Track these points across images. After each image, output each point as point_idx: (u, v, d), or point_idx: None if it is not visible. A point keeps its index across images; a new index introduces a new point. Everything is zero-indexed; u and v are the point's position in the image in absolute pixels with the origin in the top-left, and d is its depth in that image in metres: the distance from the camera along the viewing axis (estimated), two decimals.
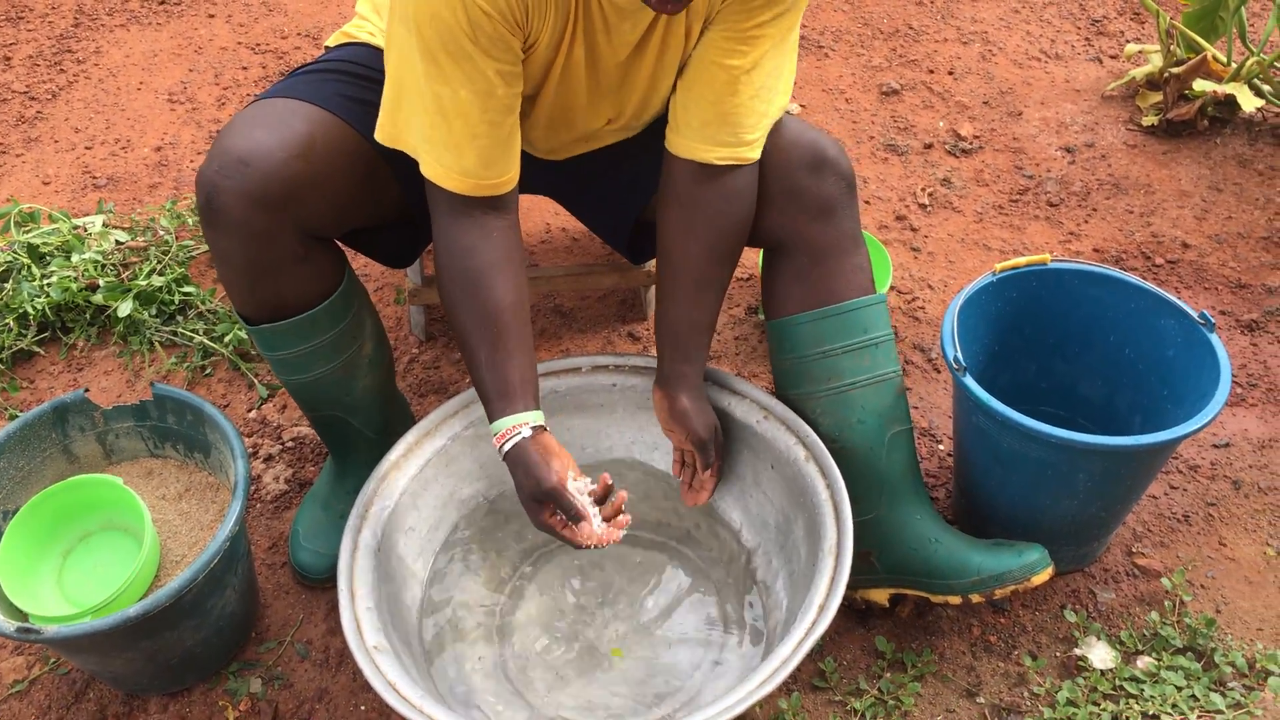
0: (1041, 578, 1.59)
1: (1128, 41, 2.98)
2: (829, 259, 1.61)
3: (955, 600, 1.63)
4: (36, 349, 2.13)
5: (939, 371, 2.14)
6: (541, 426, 1.48)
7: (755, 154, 1.52)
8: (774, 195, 1.58)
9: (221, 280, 1.55)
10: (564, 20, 1.40)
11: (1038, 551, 1.61)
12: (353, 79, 1.55)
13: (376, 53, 1.57)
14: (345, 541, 1.58)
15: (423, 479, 1.71)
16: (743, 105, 1.47)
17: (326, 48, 1.68)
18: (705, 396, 1.67)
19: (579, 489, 1.48)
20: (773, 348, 1.71)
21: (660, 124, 1.61)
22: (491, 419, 1.49)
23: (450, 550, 1.75)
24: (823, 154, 1.56)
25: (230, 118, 1.53)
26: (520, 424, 1.46)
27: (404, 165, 1.49)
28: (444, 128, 1.39)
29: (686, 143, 1.51)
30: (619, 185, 1.74)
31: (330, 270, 1.58)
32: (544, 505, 1.48)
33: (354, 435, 1.76)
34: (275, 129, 1.43)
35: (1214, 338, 1.69)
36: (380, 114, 1.46)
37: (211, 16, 2.96)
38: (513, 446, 1.46)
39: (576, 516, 1.46)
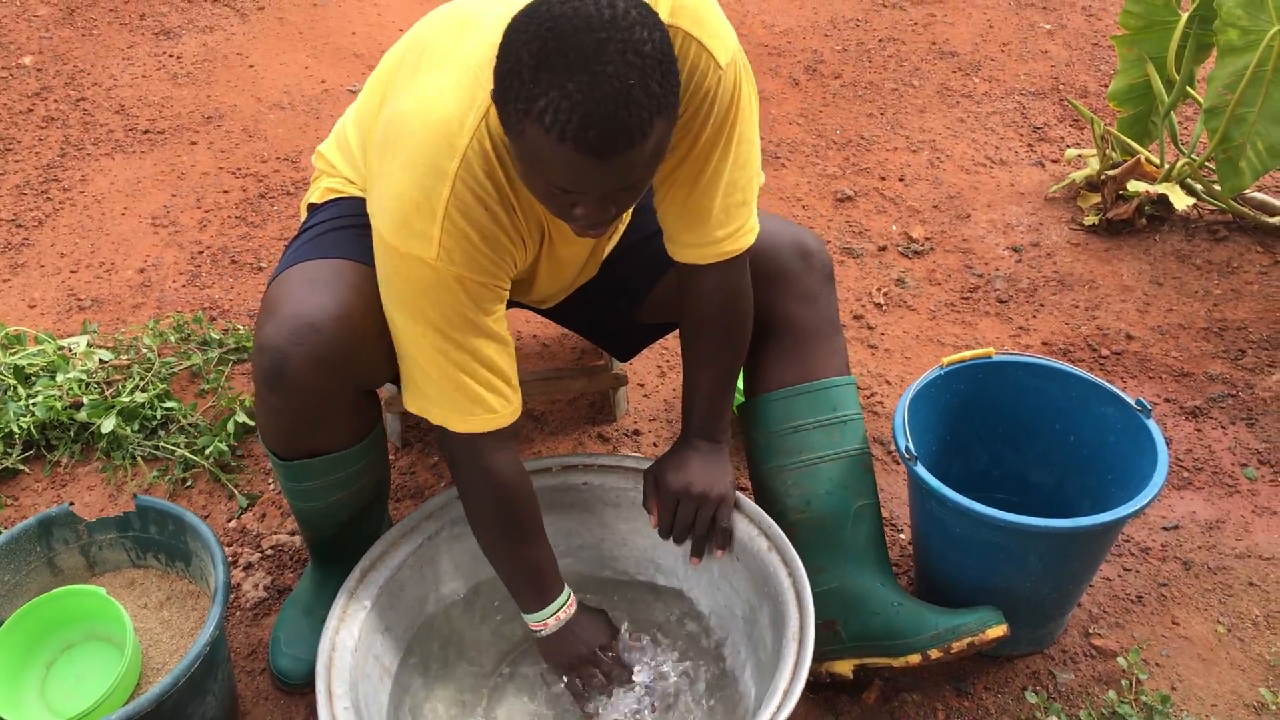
0: (996, 631, 1.66)
1: (1067, 146, 3.13)
2: (812, 341, 1.76)
3: (915, 659, 1.69)
4: (21, 467, 2.18)
5: (898, 463, 2.22)
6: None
7: (745, 242, 1.63)
8: (763, 281, 1.72)
9: (262, 427, 1.61)
10: (539, 235, 1.53)
11: (992, 611, 1.68)
12: (367, 231, 1.60)
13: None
14: (323, 642, 1.62)
15: (399, 580, 1.76)
16: (714, 207, 1.57)
17: (311, 205, 1.73)
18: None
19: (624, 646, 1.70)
20: (748, 424, 1.82)
21: (640, 228, 1.73)
22: (535, 607, 1.66)
23: (428, 649, 1.79)
24: (807, 246, 1.74)
25: (272, 277, 1.57)
26: (569, 602, 1.67)
27: None
28: (460, 385, 1.49)
29: (678, 249, 1.64)
30: (608, 291, 1.84)
31: (369, 416, 1.67)
32: (585, 664, 1.67)
33: (344, 548, 1.81)
34: (331, 291, 1.50)
35: (1151, 423, 1.78)
36: (405, 390, 1.56)
37: (194, 144, 3.09)
38: (568, 620, 1.67)
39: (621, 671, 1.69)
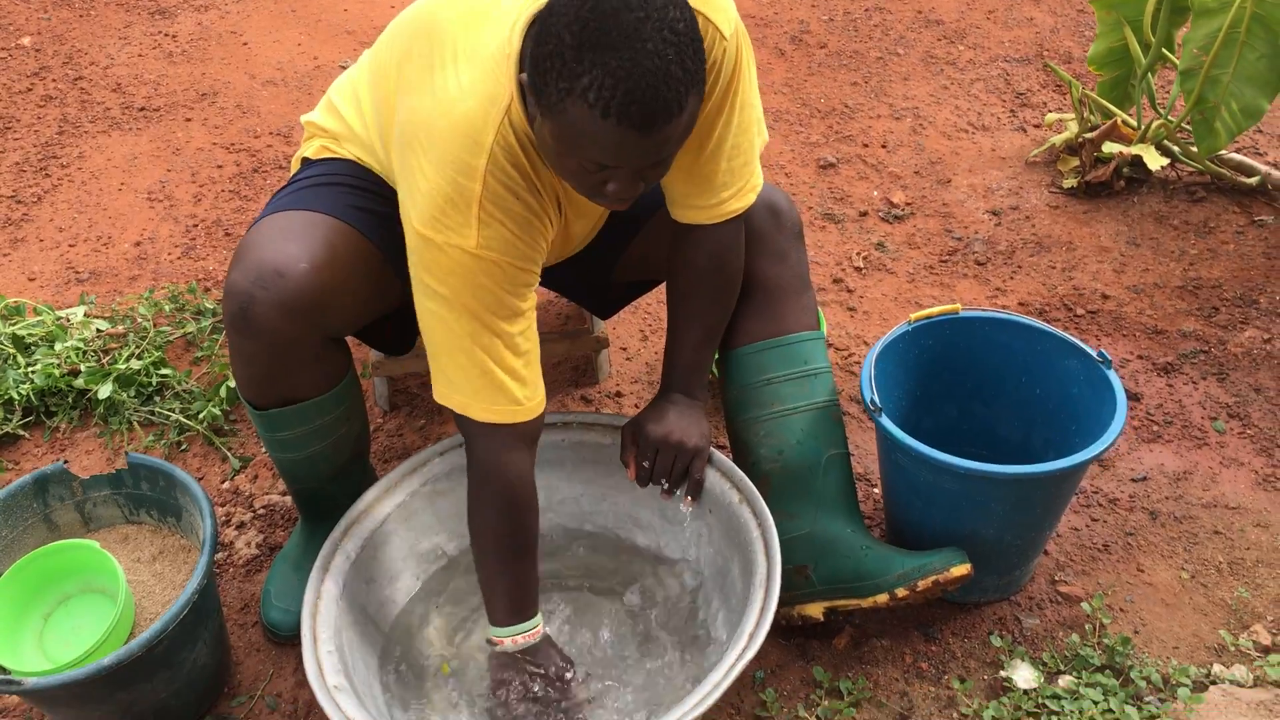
0: (960, 569, 1.72)
1: (1049, 111, 3.17)
2: (783, 297, 1.82)
3: (883, 599, 1.74)
4: (21, 432, 2.25)
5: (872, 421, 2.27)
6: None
7: (748, 200, 1.69)
8: None
9: (236, 374, 1.67)
10: (557, 209, 1.59)
11: (956, 551, 1.74)
12: (354, 190, 1.67)
13: (363, 169, 1.71)
14: (309, 591, 1.69)
15: (384, 533, 1.83)
16: (719, 170, 1.64)
17: (305, 159, 1.79)
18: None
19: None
20: (723, 378, 1.88)
21: None
22: (504, 623, 1.66)
23: (411, 599, 1.86)
24: (777, 205, 1.80)
25: (248, 226, 1.65)
26: (537, 628, 1.68)
27: (405, 263, 1.60)
28: (490, 374, 1.54)
29: (683, 211, 1.70)
30: (592, 252, 1.90)
31: (340, 363, 1.72)
32: (534, 679, 1.67)
33: (330, 503, 1.87)
34: (303, 241, 1.56)
35: (1112, 374, 1.83)
36: (434, 381, 1.59)
37: (188, 120, 3.15)
38: (537, 642, 1.67)
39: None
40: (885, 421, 1.77)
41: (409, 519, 1.87)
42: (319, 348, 1.65)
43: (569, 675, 1.69)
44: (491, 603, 1.67)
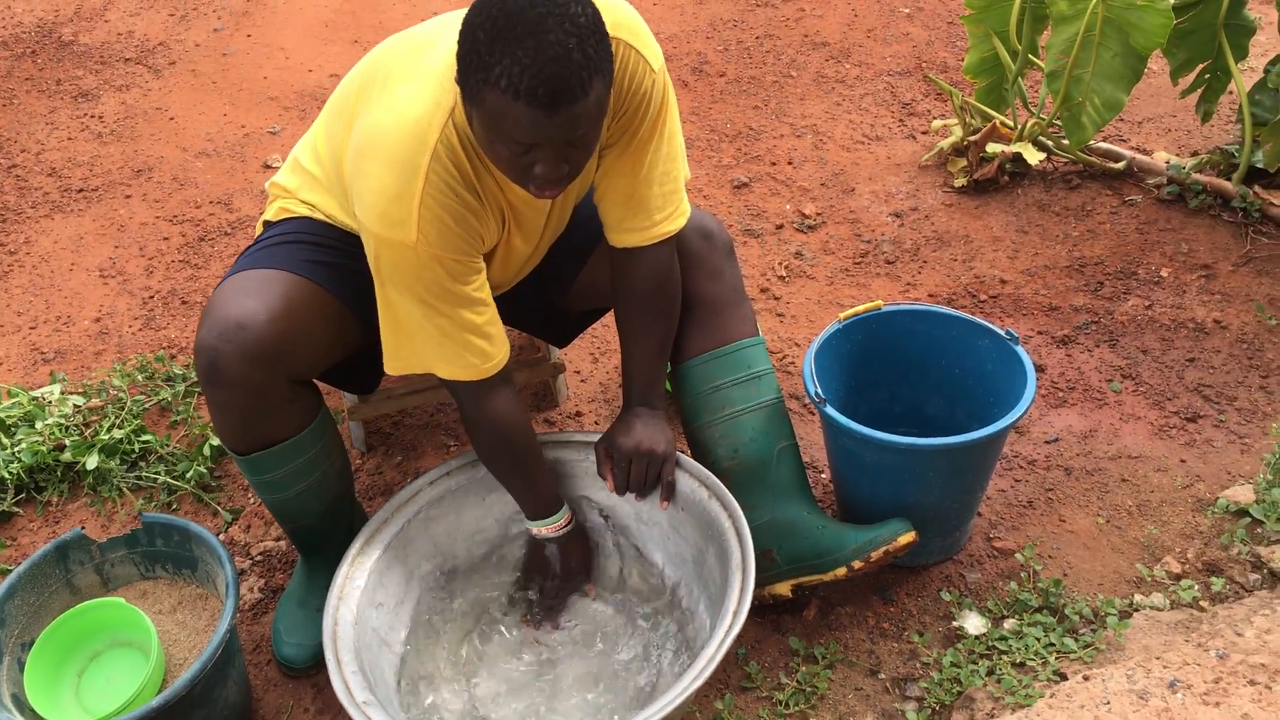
0: (906, 537, 1.94)
1: (934, 118, 3.45)
2: (722, 311, 2.02)
3: (842, 572, 1.95)
4: (15, 510, 2.35)
5: (813, 413, 2.50)
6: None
7: (680, 223, 1.90)
8: None
9: (216, 425, 1.82)
10: (499, 219, 1.77)
11: (901, 521, 1.96)
12: (309, 246, 1.84)
13: (319, 224, 1.87)
14: (327, 619, 1.84)
15: (386, 560, 1.98)
16: (653, 195, 1.84)
17: (267, 223, 1.95)
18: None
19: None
20: (676, 389, 2.08)
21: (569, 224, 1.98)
22: (542, 516, 1.99)
23: (416, 619, 2.02)
24: (708, 227, 2.01)
25: (202, 292, 1.81)
26: (568, 516, 2.01)
27: (363, 307, 1.81)
28: (449, 343, 1.75)
29: (620, 235, 1.89)
30: (544, 286, 2.08)
31: (310, 404, 1.88)
32: (566, 573, 2.05)
33: (324, 539, 2.02)
34: (260, 296, 1.73)
35: (1020, 349, 2.07)
36: (385, 356, 1.81)
37: (128, 197, 3.26)
38: (567, 531, 2.02)
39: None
40: (830, 411, 1.98)
41: (407, 546, 2.03)
42: (287, 391, 1.80)
43: (575, 563, 2.03)
44: (521, 505, 1.99)
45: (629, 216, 1.86)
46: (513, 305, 2.08)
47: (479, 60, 1.46)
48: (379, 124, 1.64)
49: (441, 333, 1.73)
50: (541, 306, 2.13)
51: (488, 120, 1.50)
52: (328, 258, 1.83)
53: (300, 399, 1.85)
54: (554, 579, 2.04)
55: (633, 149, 1.78)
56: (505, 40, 1.44)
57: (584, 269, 2.07)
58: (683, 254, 1.97)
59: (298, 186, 1.93)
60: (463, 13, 1.53)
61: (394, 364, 1.81)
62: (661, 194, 1.84)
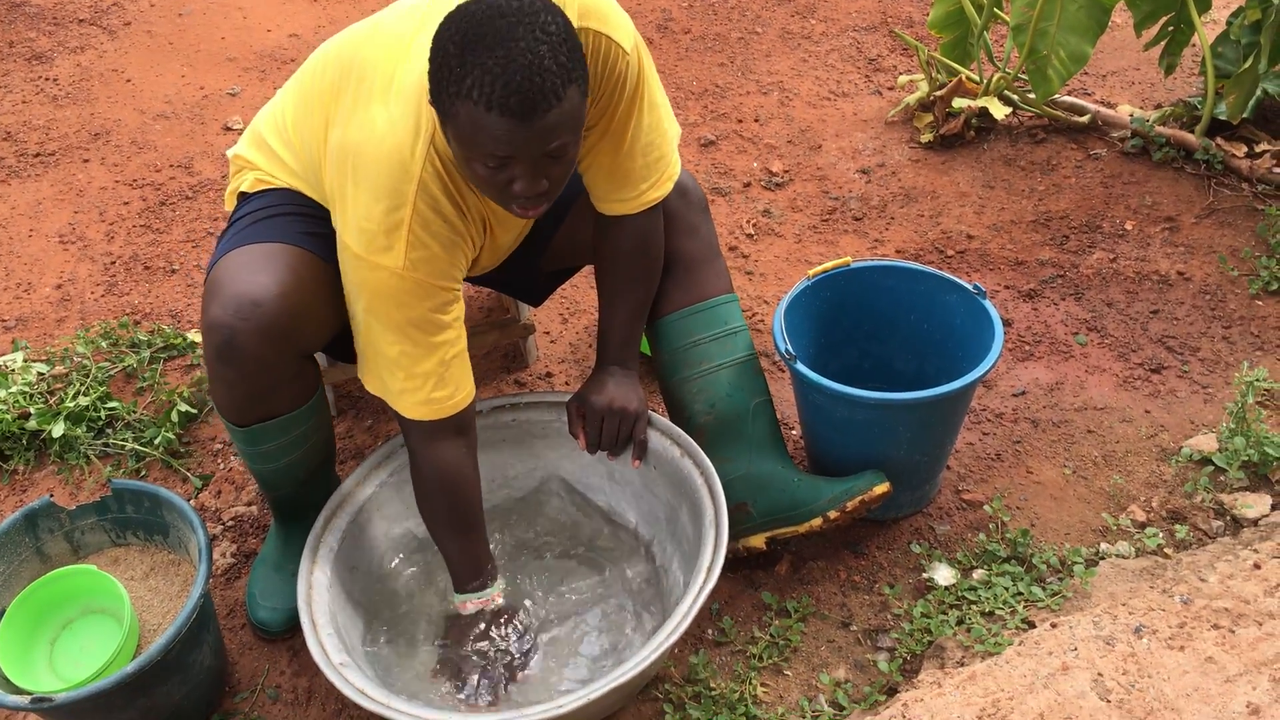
0: (881, 488, 1.96)
1: (900, 74, 3.45)
2: (698, 267, 2.03)
3: (817, 523, 1.97)
4: None
5: (783, 371, 2.51)
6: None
7: (665, 189, 1.89)
8: None
9: (218, 400, 1.80)
10: (482, 229, 1.76)
11: (875, 473, 1.98)
12: (300, 218, 1.81)
13: (303, 196, 1.84)
14: (300, 582, 1.84)
15: (360, 523, 1.99)
16: (636, 167, 1.84)
17: (242, 194, 1.91)
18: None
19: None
20: (653, 345, 2.09)
21: None
22: (472, 588, 1.89)
23: (393, 581, 2.02)
24: (684, 185, 2.00)
25: (214, 265, 1.76)
26: (496, 593, 1.91)
27: None
28: (415, 374, 1.72)
29: (607, 205, 1.88)
30: (520, 249, 2.06)
31: (313, 378, 1.87)
32: (482, 639, 1.89)
33: (303, 506, 2.01)
34: (270, 271, 1.70)
35: (987, 303, 2.09)
36: (363, 373, 1.79)
37: (86, 161, 3.20)
38: (497, 607, 1.90)
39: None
40: (801, 368, 1.99)
41: (381, 508, 2.03)
42: (295, 366, 1.80)
43: (515, 644, 1.90)
44: (450, 571, 1.90)
45: (615, 189, 1.86)
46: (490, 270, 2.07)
47: (450, 74, 1.45)
48: (359, 147, 1.63)
49: (409, 361, 1.72)
50: (516, 268, 2.12)
51: (462, 136, 1.49)
52: (321, 229, 1.81)
53: (304, 373, 1.84)
54: (482, 660, 1.89)
55: (613, 129, 1.78)
56: (475, 51, 1.43)
57: (559, 232, 2.06)
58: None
59: (268, 164, 1.89)
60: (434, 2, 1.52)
61: (367, 380, 1.81)
62: (645, 164, 1.84)
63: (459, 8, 1.48)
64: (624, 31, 1.71)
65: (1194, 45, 3.19)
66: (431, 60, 1.49)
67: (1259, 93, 2.85)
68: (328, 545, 1.92)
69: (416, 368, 1.73)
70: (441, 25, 1.48)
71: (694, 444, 1.98)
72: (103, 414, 2.41)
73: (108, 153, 3.23)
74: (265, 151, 1.90)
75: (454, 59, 1.44)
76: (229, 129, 3.32)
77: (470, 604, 1.89)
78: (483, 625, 1.90)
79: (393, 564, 2.05)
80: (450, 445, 1.81)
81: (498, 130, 1.45)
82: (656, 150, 1.85)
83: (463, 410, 1.80)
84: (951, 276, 2.15)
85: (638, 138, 1.80)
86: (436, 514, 1.86)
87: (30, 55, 3.66)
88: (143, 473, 2.34)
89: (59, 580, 1.87)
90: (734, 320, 2.06)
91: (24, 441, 2.38)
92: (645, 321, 2.05)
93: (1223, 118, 2.94)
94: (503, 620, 1.91)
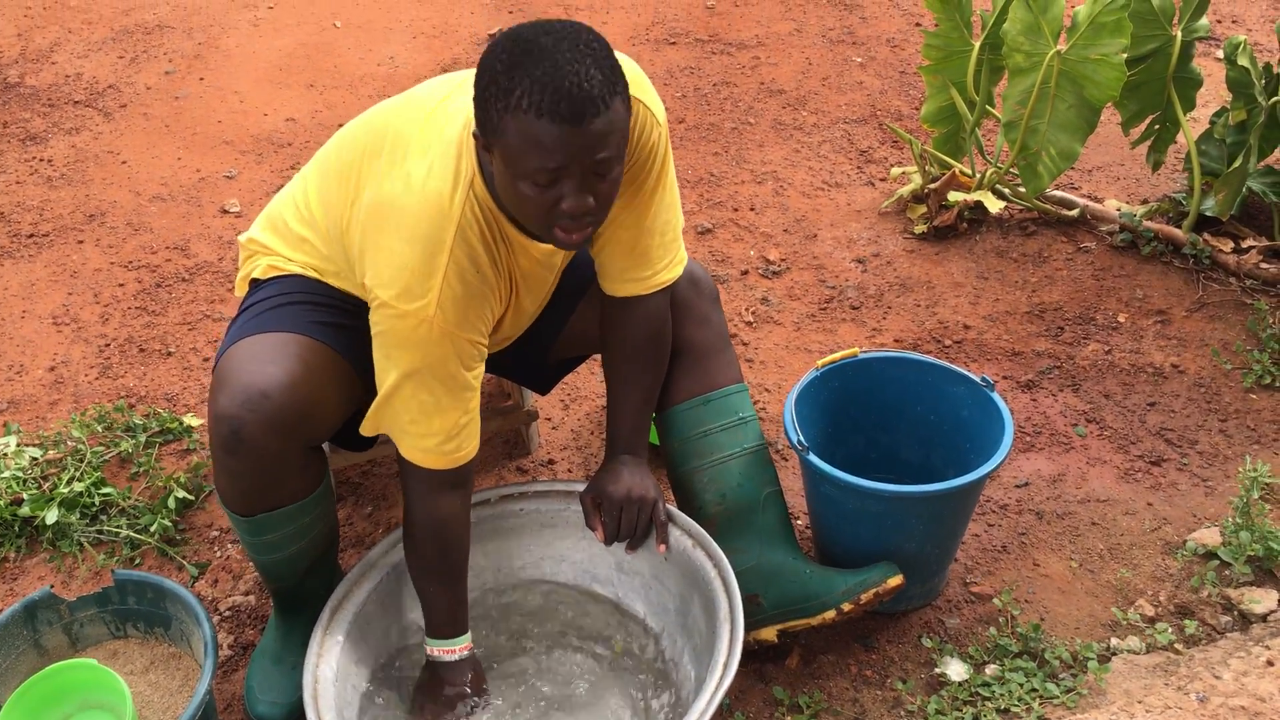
0: (895, 580, 1.95)
1: (892, 166, 3.51)
2: (709, 356, 2.04)
3: (830, 615, 1.95)
4: None
5: (786, 459, 2.50)
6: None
7: (678, 271, 1.92)
8: None
9: (223, 490, 1.77)
10: (509, 285, 1.77)
11: (888, 565, 1.97)
12: (313, 306, 1.81)
13: (317, 283, 1.84)
14: (306, 676, 1.80)
15: (365, 614, 1.95)
16: (654, 245, 1.86)
17: (254, 280, 1.91)
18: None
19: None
20: (663, 434, 2.08)
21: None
22: (443, 637, 1.87)
23: (397, 676, 1.98)
24: (695, 275, 2.03)
25: (223, 353, 1.75)
26: (468, 644, 1.89)
27: (366, 366, 1.76)
28: (430, 423, 1.71)
29: (620, 285, 1.89)
30: (532, 334, 2.06)
31: (320, 467, 1.85)
32: (454, 700, 1.87)
33: (305, 596, 1.98)
34: (279, 362, 1.69)
35: (995, 395, 2.10)
36: (369, 418, 1.76)
37: (81, 243, 3.19)
38: (465, 656, 1.88)
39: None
40: (813, 458, 1.99)
41: (384, 601, 1.99)
42: (301, 457, 1.78)
43: (471, 698, 1.88)
44: (427, 617, 1.89)
45: (631, 267, 1.87)
46: (498, 354, 2.07)
47: (498, 90, 1.48)
48: (396, 198, 1.63)
49: (425, 410, 1.70)
50: (528, 355, 2.11)
51: (511, 154, 1.51)
52: (332, 318, 1.81)
53: (311, 464, 1.82)
54: (449, 704, 1.89)
55: (639, 200, 1.80)
56: (523, 66, 1.47)
57: (573, 317, 2.07)
58: (672, 301, 1.97)
59: (284, 247, 1.89)
60: (464, 73, 1.54)
61: (368, 425, 1.79)
62: (662, 244, 1.86)
63: (502, 34, 1.53)
64: (658, 105, 1.76)
65: (1179, 142, 3.27)
66: (478, 83, 1.52)
67: (1243, 190, 2.92)
68: (334, 639, 1.88)
69: (432, 421, 1.71)
70: (486, 52, 1.53)
71: (706, 535, 1.96)
72: (97, 500, 2.37)
73: (103, 234, 3.21)
74: (281, 234, 1.90)
75: (502, 76, 1.48)
76: (225, 211, 3.32)
77: (442, 650, 1.88)
78: (447, 675, 1.88)
79: (398, 655, 2.00)
80: (449, 497, 1.81)
81: (548, 138, 1.47)
82: (672, 231, 1.87)
83: (467, 464, 1.80)
84: (958, 368, 2.17)
85: (658, 214, 1.83)
86: (426, 561, 1.85)
87: (25, 136, 3.66)
88: (137, 560, 2.30)
89: (57, 675, 1.82)
90: (744, 409, 2.06)
91: (15, 528, 2.32)
92: (654, 408, 2.05)
93: (1209, 214, 3.01)
94: (462, 677, 1.89)
